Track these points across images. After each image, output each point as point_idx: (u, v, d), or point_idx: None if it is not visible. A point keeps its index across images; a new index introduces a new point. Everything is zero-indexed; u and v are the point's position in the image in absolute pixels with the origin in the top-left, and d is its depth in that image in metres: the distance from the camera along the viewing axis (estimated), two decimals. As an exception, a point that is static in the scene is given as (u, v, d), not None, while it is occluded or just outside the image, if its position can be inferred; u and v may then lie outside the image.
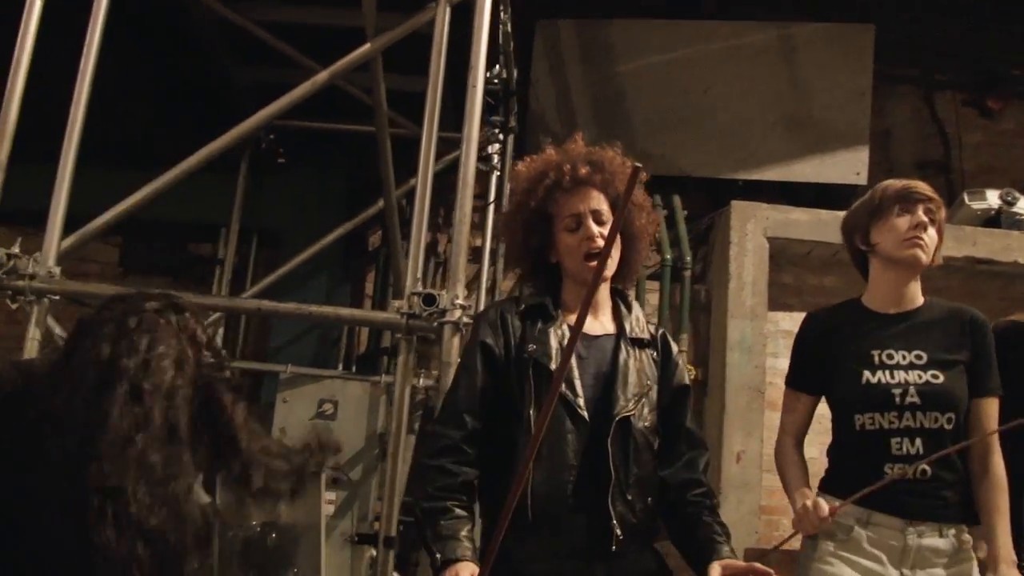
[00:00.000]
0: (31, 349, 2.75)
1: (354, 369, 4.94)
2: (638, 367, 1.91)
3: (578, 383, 1.85)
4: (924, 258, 2.09)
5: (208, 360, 1.44)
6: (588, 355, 1.90)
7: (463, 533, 1.73)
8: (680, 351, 2.05)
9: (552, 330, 1.90)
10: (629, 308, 2.00)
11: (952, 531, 1.98)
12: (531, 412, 1.81)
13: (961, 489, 2.00)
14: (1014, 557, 1.95)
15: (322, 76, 3.13)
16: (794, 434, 2.20)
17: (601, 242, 1.88)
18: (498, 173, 5.10)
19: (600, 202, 1.92)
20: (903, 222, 2.10)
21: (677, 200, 5.32)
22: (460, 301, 2.63)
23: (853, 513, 1.97)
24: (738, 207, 5.11)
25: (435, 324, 2.59)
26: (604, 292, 1.98)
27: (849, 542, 1.98)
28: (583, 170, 1.91)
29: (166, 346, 1.37)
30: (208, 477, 1.45)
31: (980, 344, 2.09)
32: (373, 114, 3.57)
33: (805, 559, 2.06)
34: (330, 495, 4.13)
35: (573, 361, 1.83)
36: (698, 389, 5.16)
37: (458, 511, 1.76)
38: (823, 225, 4.89)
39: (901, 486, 1.94)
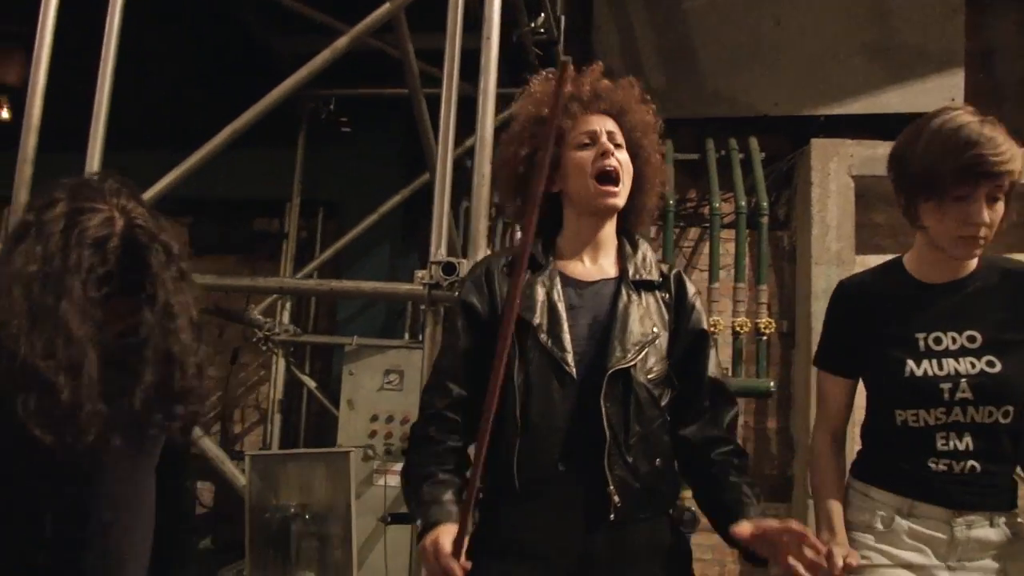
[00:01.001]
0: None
1: (420, 339, 4.88)
2: (641, 312, 1.72)
3: (567, 336, 1.67)
4: (979, 251, 1.75)
5: (140, 223, 1.43)
6: (582, 304, 1.73)
7: (445, 497, 1.62)
8: (697, 292, 1.83)
9: (540, 280, 1.73)
10: (635, 248, 1.81)
11: (1003, 519, 1.75)
12: (516, 373, 1.67)
13: (1008, 475, 1.78)
14: None
15: (342, 41, 3.03)
16: (832, 428, 1.92)
17: (615, 163, 1.73)
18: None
19: (615, 127, 1.78)
20: (959, 212, 1.68)
21: (754, 142, 5.01)
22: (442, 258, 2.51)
23: (893, 503, 1.77)
24: (818, 145, 4.79)
25: (456, 293, 2.44)
26: (607, 232, 1.80)
27: (889, 534, 1.77)
28: (601, 84, 1.80)
29: (93, 206, 1.40)
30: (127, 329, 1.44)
31: None
32: (431, 77, 3.45)
33: None
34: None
35: (562, 312, 1.68)
36: (785, 341, 4.90)
37: (441, 476, 1.66)
38: (913, 158, 4.50)
39: (946, 477, 1.73)
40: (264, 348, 4.78)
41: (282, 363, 4.86)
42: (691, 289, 1.82)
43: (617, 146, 1.76)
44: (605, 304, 1.72)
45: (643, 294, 1.75)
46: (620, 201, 1.76)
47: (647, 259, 1.80)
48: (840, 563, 1.59)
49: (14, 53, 4.21)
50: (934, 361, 1.72)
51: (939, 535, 1.74)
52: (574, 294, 1.73)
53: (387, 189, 4.78)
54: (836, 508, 1.82)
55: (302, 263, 4.92)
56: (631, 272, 1.76)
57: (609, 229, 1.81)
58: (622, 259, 1.79)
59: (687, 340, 1.76)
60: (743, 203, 4.81)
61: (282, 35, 4.20)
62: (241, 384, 5.46)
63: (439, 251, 2.60)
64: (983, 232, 1.68)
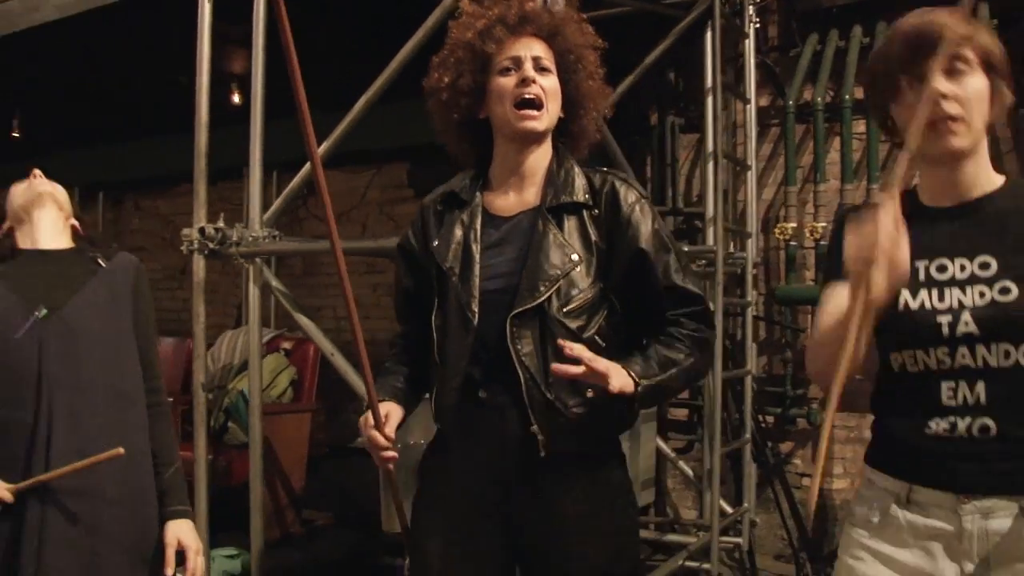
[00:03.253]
0: (252, 301, 3.30)
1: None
2: (558, 240, 1.64)
3: (476, 280, 1.65)
4: (960, 143, 1.40)
5: None
6: (503, 239, 1.69)
7: (391, 384, 1.75)
8: (640, 198, 1.69)
9: (459, 219, 1.72)
10: (560, 170, 1.71)
11: None
12: (435, 316, 1.69)
13: None
14: None
15: None
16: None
17: (538, 90, 1.65)
18: (756, 24, 4.37)
19: (543, 51, 1.69)
20: (917, 97, 1.36)
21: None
22: None
23: (891, 488, 1.43)
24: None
25: None
26: (534, 159, 1.72)
27: (885, 528, 1.43)
28: (529, 6, 1.71)
29: None
30: None
31: None
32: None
33: (840, 548, 1.54)
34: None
35: (476, 254, 1.67)
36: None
37: (391, 367, 1.81)
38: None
39: (949, 445, 1.38)
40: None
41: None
42: (628, 198, 1.68)
43: (543, 70, 1.68)
44: (524, 237, 1.67)
45: (565, 219, 1.66)
46: (540, 125, 1.67)
47: (570, 179, 1.69)
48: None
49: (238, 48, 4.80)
50: (934, 291, 1.42)
51: (946, 526, 1.37)
52: (493, 231, 1.70)
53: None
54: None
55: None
56: (549, 198, 1.67)
57: (537, 156, 1.71)
58: (547, 185, 1.70)
59: (625, 257, 1.66)
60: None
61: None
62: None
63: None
64: (951, 109, 1.37)
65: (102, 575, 1.81)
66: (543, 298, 1.60)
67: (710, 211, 3.67)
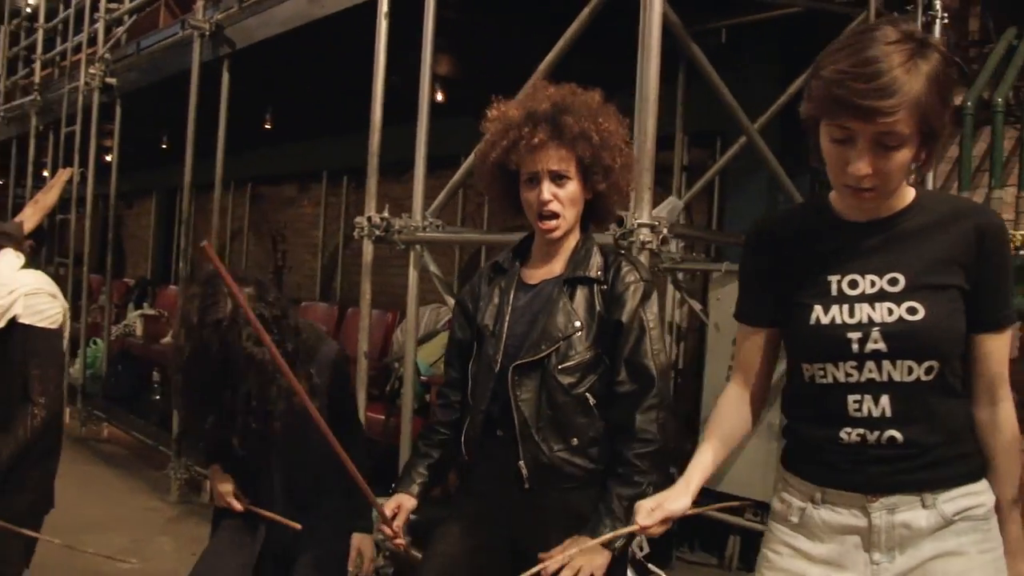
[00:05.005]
0: (412, 284, 3.75)
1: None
2: (566, 309, 1.90)
3: (504, 335, 1.94)
4: (873, 204, 1.45)
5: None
6: (528, 303, 1.96)
7: (416, 470, 2.07)
8: (639, 280, 1.90)
9: (499, 284, 2.02)
10: (582, 248, 1.97)
11: (942, 497, 1.44)
12: (472, 365, 2.01)
13: (957, 443, 1.47)
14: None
15: None
16: (741, 380, 1.66)
17: (556, 205, 1.90)
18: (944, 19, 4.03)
19: (560, 160, 1.89)
20: (837, 154, 1.38)
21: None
22: (644, 220, 2.66)
23: (805, 490, 1.52)
24: None
25: (627, 244, 2.68)
26: (563, 241, 1.97)
27: (802, 526, 1.52)
28: (540, 136, 1.88)
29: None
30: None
31: (989, 259, 1.43)
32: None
33: (762, 542, 1.63)
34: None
35: (507, 314, 1.95)
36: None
37: (422, 447, 2.09)
38: None
39: (860, 452, 1.46)
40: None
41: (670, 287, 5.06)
42: (627, 278, 1.90)
43: (560, 179, 1.90)
44: (543, 303, 1.93)
45: (579, 290, 1.91)
46: (558, 233, 1.93)
47: (589, 257, 1.94)
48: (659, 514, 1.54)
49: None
50: (845, 307, 1.46)
51: (856, 523, 1.47)
52: (523, 295, 1.98)
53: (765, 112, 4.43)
54: (696, 459, 1.61)
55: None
56: (568, 271, 1.93)
57: (564, 239, 1.97)
58: (569, 261, 1.95)
59: (612, 328, 1.89)
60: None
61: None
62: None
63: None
64: (867, 183, 1.38)
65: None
66: (543, 355, 1.88)
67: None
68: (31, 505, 2.50)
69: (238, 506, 2.30)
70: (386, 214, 3.66)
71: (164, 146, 9.05)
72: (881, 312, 1.43)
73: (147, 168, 10.39)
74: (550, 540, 1.82)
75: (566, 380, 1.87)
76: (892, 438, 1.43)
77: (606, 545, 1.75)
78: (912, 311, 1.42)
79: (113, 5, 6.96)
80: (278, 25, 4.67)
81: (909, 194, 1.48)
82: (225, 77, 5.18)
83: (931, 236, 1.45)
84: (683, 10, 4.30)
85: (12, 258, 2.53)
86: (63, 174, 6.25)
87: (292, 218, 9.65)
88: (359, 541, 2.35)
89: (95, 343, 7.83)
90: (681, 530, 4.24)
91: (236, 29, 5.06)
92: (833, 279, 1.48)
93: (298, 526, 2.23)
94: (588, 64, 3.18)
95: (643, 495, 1.71)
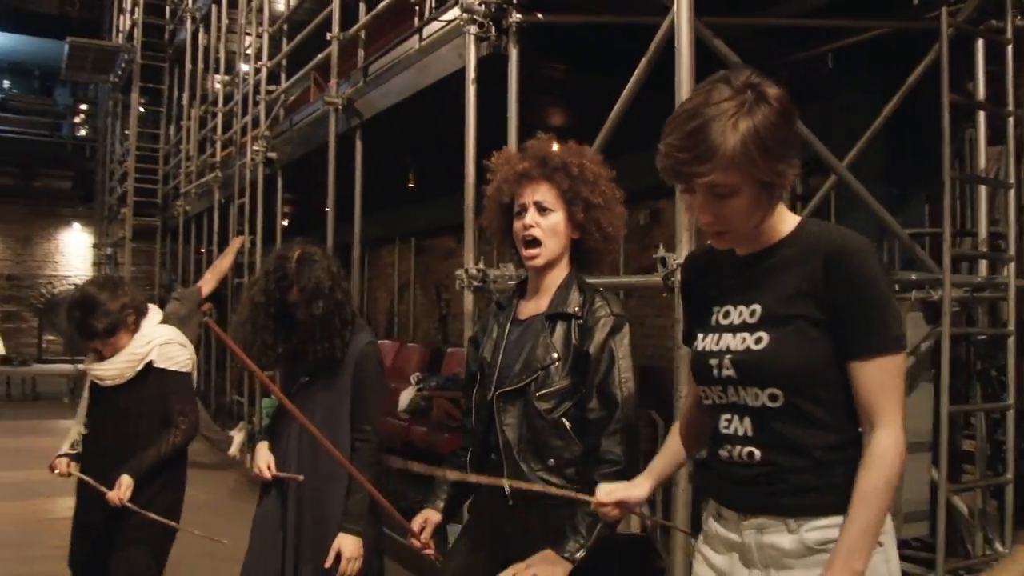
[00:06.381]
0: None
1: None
2: (545, 342, 2.06)
3: (497, 367, 2.13)
4: (730, 242, 1.58)
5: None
6: (518, 337, 2.13)
7: (441, 487, 2.26)
8: (608, 315, 2.04)
9: (498, 320, 2.21)
10: (566, 287, 2.10)
11: (806, 526, 1.48)
12: (474, 394, 2.19)
13: (822, 473, 1.49)
14: (857, 567, 1.40)
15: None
16: (695, 393, 1.78)
17: (537, 231, 2.07)
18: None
19: (545, 193, 2.08)
20: (690, 201, 1.53)
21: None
22: (679, 260, 2.74)
23: (711, 504, 1.65)
24: None
25: (673, 284, 2.79)
26: (549, 278, 2.12)
27: (709, 537, 1.65)
28: (524, 164, 2.11)
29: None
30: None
31: (840, 288, 1.46)
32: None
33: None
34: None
35: (501, 348, 2.14)
36: None
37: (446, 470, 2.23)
38: None
39: (729, 468, 1.56)
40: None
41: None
42: (598, 313, 2.04)
43: (544, 211, 2.08)
44: (530, 336, 2.10)
45: (558, 324, 2.06)
46: (540, 261, 2.08)
47: (569, 296, 2.08)
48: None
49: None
50: (714, 336, 1.59)
51: (736, 539, 1.56)
52: (516, 330, 2.15)
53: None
54: (659, 456, 1.83)
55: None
56: (552, 307, 2.08)
57: (552, 275, 2.12)
58: (554, 298, 2.10)
59: (584, 359, 2.03)
60: None
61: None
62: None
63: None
64: (715, 228, 1.53)
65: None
66: (523, 383, 2.07)
67: (946, 233, 3.49)
68: (172, 503, 3.01)
69: (267, 474, 2.70)
70: (481, 265, 3.88)
71: (327, 208, 9.78)
72: (736, 341, 1.54)
73: (317, 228, 11.26)
74: (536, 552, 1.95)
75: (543, 406, 2.04)
76: (751, 453, 1.52)
77: (568, 558, 1.90)
78: (758, 341, 1.51)
79: (272, 87, 7.71)
80: (395, 95, 5.07)
81: (787, 226, 1.56)
82: (358, 145, 5.64)
83: (790, 268, 1.52)
84: (779, 38, 4.39)
85: (154, 315, 3.07)
86: (235, 242, 6.99)
87: (452, 268, 10.12)
88: (340, 541, 2.55)
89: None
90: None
91: (364, 102, 5.52)
92: (716, 309, 1.62)
93: (300, 477, 2.64)
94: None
95: (588, 524, 1.91)
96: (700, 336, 1.62)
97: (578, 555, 1.90)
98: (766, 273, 1.55)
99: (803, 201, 5.20)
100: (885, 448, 1.43)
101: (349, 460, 2.49)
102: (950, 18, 3.41)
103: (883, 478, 1.42)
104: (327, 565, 2.54)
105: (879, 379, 1.45)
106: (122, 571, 2.86)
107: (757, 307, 1.54)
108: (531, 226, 2.07)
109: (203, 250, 10.28)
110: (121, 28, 15.71)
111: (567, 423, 2.04)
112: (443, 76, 4.38)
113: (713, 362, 1.57)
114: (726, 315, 1.59)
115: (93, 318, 2.85)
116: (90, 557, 2.95)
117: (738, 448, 1.54)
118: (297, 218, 10.93)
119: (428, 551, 2.18)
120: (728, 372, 1.54)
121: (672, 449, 1.81)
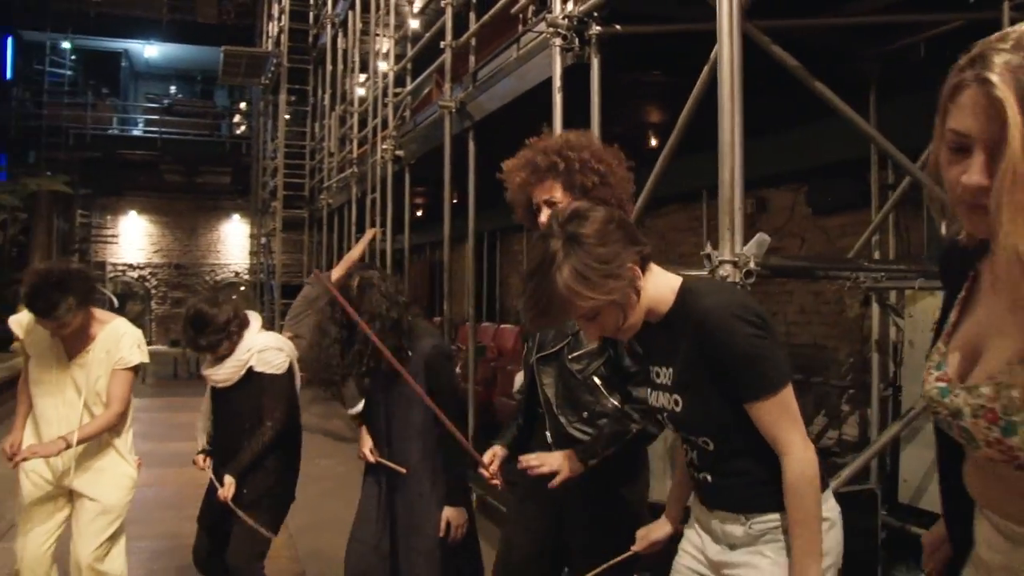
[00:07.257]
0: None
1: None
2: None
3: (538, 335, 2.49)
4: (622, 337, 1.88)
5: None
6: None
7: (509, 430, 2.63)
8: None
9: None
10: None
11: (753, 520, 1.80)
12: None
13: (760, 485, 1.79)
14: None
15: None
16: None
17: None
18: None
19: (549, 189, 2.32)
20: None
21: None
22: (726, 257, 2.91)
23: (694, 500, 1.99)
24: None
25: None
26: None
27: (692, 520, 2.00)
28: (520, 176, 2.37)
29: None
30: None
31: (718, 352, 1.72)
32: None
33: None
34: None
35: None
36: None
37: (518, 417, 2.63)
38: None
39: (697, 483, 1.92)
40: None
41: (875, 306, 5.24)
42: None
43: (554, 205, 2.30)
44: None
45: None
46: None
47: None
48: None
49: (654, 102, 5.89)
50: (654, 393, 1.91)
51: (707, 523, 1.91)
52: None
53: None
54: (671, 495, 2.13)
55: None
56: None
57: None
58: None
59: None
60: None
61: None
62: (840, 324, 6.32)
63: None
64: (603, 335, 1.87)
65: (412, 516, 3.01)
66: (557, 347, 2.42)
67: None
68: (282, 484, 3.45)
69: (371, 458, 3.06)
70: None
71: (455, 201, 10.34)
72: (666, 400, 1.87)
73: (457, 218, 11.85)
74: (573, 491, 2.30)
75: (575, 367, 2.37)
76: (705, 477, 1.87)
77: (584, 461, 2.26)
78: (676, 403, 1.84)
79: (398, 89, 8.29)
80: (499, 99, 5.46)
81: (669, 297, 1.83)
82: (471, 145, 6.07)
83: (682, 337, 1.79)
84: (870, 32, 4.45)
85: (255, 322, 3.49)
86: (368, 233, 7.60)
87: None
88: (447, 513, 2.90)
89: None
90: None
91: (474, 104, 5.95)
92: (653, 368, 1.93)
93: (403, 470, 2.96)
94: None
95: (627, 433, 2.27)
96: (651, 390, 1.94)
97: (591, 461, 2.26)
98: (670, 339, 1.83)
99: (892, 189, 5.26)
100: (794, 476, 1.71)
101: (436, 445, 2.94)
102: (1012, 11, 3.50)
103: (802, 508, 1.71)
104: (440, 535, 2.90)
105: (769, 418, 1.72)
106: (240, 532, 3.30)
107: (671, 371, 1.85)
108: (544, 223, 2.22)
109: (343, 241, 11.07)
110: (270, 34, 16.85)
111: (597, 380, 2.36)
112: (537, 83, 4.72)
113: (659, 415, 1.93)
114: (658, 375, 1.90)
115: (203, 336, 3.27)
116: (216, 519, 3.40)
117: (697, 472, 1.89)
118: (430, 209, 11.52)
119: (495, 480, 2.50)
120: (669, 423, 1.90)
121: (680, 480, 2.12)
